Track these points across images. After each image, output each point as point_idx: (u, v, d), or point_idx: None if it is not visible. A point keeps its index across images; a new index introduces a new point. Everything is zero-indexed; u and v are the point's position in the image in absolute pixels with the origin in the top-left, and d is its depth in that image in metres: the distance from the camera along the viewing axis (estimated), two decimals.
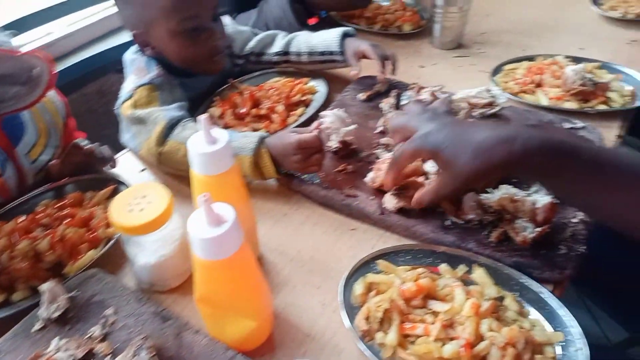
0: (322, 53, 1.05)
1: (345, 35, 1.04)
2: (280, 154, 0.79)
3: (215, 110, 0.98)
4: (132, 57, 0.93)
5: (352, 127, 0.87)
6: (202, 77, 1.01)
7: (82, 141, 0.85)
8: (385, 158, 0.80)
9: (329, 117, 0.87)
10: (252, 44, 1.08)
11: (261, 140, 0.80)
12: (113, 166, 0.87)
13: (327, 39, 1.04)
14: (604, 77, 1.04)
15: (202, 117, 0.55)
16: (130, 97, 0.87)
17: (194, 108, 0.99)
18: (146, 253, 0.65)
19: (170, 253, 0.65)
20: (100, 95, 1.81)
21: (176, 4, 0.86)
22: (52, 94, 0.91)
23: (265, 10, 1.24)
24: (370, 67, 1.11)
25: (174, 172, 0.87)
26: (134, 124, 0.87)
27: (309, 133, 0.78)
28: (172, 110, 0.86)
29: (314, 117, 0.95)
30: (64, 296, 0.64)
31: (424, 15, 1.32)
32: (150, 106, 0.86)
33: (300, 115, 0.97)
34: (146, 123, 0.85)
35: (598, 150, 0.58)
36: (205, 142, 0.56)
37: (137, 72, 0.90)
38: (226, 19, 1.09)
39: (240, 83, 1.06)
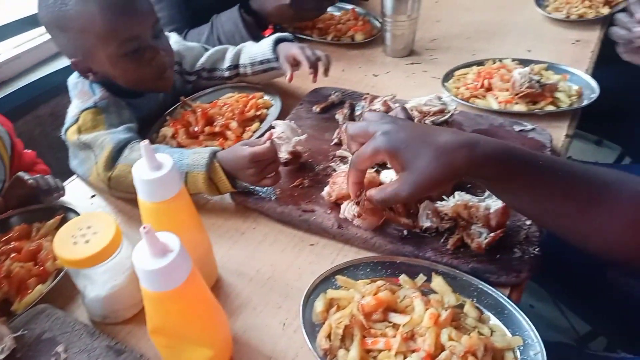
0: (261, 62, 1.05)
1: (280, 41, 1.04)
2: (234, 168, 0.78)
3: (167, 130, 0.96)
4: (75, 81, 0.90)
5: (303, 137, 0.87)
6: (151, 96, 0.99)
7: (25, 175, 0.81)
8: (341, 171, 0.80)
9: (279, 127, 0.87)
10: (202, 60, 1.07)
11: (213, 155, 0.79)
12: (61, 195, 0.84)
13: (264, 47, 1.04)
14: (551, 78, 1.07)
15: (143, 144, 0.53)
16: (75, 122, 0.84)
17: (145, 128, 0.96)
18: (96, 285, 0.62)
19: (122, 283, 0.63)
20: (53, 117, 1.75)
21: (113, 27, 0.83)
22: None
23: (217, 25, 1.23)
24: (324, 79, 1.12)
25: (126, 197, 0.84)
26: (81, 149, 0.84)
27: (261, 145, 0.77)
28: (120, 133, 0.83)
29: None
30: (10, 336, 0.61)
31: (376, 24, 1.34)
32: (96, 130, 0.83)
33: (255, 131, 0.96)
34: (93, 148, 0.82)
35: (552, 159, 0.59)
36: (149, 168, 0.55)
37: (80, 95, 0.87)
38: (174, 37, 1.07)
39: (193, 101, 1.04)
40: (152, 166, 0.54)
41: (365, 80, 1.17)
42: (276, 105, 1.03)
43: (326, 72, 1.00)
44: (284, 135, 0.85)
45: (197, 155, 0.79)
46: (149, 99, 0.99)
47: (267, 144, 0.77)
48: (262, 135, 0.89)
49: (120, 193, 0.84)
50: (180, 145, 0.93)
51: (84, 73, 0.87)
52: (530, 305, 1.45)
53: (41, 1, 0.84)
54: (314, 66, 0.98)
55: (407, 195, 0.58)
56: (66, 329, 0.63)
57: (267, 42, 1.04)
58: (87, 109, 0.85)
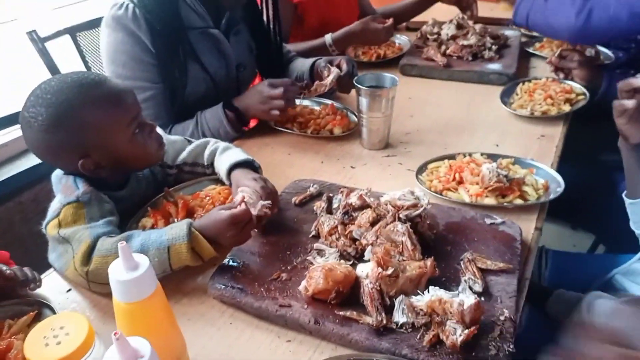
0: (221, 178, 1.08)
1: (237, 166, 1.04)
2: (213, 234, 0.84)
3: (147, 221, 0.97)
4: (59, 176, 0.92)
5: (267, 202, 0.91)
6: (133, 188, 1.01)
7: (3, 265, 0.81)
8: (318, 265, 0.81)
9: (246, 193, 0.92)
10: (184, 154, 1.10)
11: (190, 225, 0.84)
12: (37, 287, 0.84)
13: (223, 167, 1.05)
14: (518, 172, 1.13)
15: (121, 245, 0.54)
16: (56, 216, 0.85)
17: (126, 221, 0.97)
18: None
19: None
20: (35, 203, 1.75)
21: (119, 114, 0.89)
22: None
23: (201, 120, 1.29)
24: (304, 170, 1.16)
25: (105, 291, 0.83)
26: (60, 243, 0.85)
27: (237, 208, 0.84)
28: (99, 227, 0.85)
29: None
30: None
31: (353, 118, 1.41)
32: (76, 224, 0.84)
33: None
34: (71, 242, 0.82)
35: None
36: (125, 268, 0.55)
37: (64, 190, 0.89)
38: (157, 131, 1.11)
39: (176, 192, 1.06)
40: (128, 267, 0.55)
41: (343, 172, 1.22)
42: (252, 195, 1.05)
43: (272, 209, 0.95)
44: (251, 200, 0.91)
45: (175, 229, 0.84)
46: (132, 191, 1.01)
47: (243, 205, 0.84)
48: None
49: (99, 288, 0.83)
50: None
51: (91, 170, 0.90)
52: None
53: (26, 127, 0.86)
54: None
55: None
56: None
57: (225, 165, 1.05)
58: (69, 203, 0.86)
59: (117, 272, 0.56)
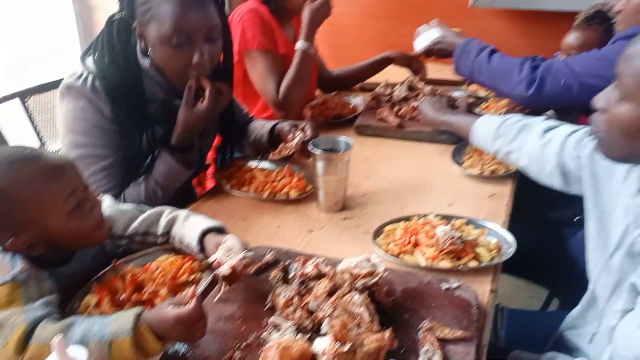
0: (188, 246, 1.03)
1: (209, 231, 1.01)
2: (161, 329, 0.77)
3: (91, 298, 0.91)
4: None
5: (250, 253, 0.92)
6: (77, 262, 0.96)
7: None
8: (273, 343, 0.78)
9: (230, 241, 0.93)
10: (136, 224, 1.06)
11: (137, 318, 0.76)
12: None
13: (191, 234, 1.02)
14: (472, 232, 1.15)
15: (55, 341, 0.51)
16: None
17: (70, 298, 0.92)
18: None
19: None
20: None
21: (54, 190, 0.85)
22: None
23: (151, 175, 1.26)
24: (261, 235, 1.14)
25: None
26: None
27: (186, 305, 0.77)
28: (36, 310, 0.79)
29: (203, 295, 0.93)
30: None
31: (310, 180, 1.41)
32: (11, 307, 0.78)
33: None
34: (3, 328, 0.76)
35: None
36: None
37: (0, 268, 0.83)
38: (107, 200, 1.07)
39: (125, 264, 1.02)
40: None
41: (300, 236, 1.21)
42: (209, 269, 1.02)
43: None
44: (234, 249, 0.90)
45: (120, 322, 0.76)
46: (76, 266, 0.96)
47: (192, 303, 0.77)
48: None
49: None
50: (104, 314, 0.88)
51: (24, 249, 0.85)
52: None
53: None
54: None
55: None
56: None
57: (195, 231, 1.01)
58: (4, 283, 0.80)
59: None
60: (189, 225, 1.05)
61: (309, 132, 1.39)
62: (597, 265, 1.01)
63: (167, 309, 0.77)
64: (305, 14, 1.70)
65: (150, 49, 1.22)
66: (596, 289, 1.01)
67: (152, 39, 1.19)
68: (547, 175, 1.18)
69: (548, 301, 1.67)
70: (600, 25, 1.68)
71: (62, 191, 0.87)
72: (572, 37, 1.76)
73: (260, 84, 1.77)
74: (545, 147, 1.18)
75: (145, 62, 1.24)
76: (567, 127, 1.18)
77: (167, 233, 1.06)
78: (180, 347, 0.83)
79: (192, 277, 0.98)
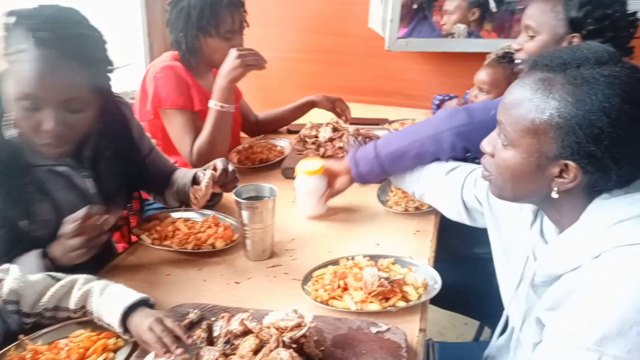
0: (109, 325, 0.95)
1: (130, 311, 0.93)
2: None
3: None
4: None
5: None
6: None
7: None
8: None
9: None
10: (45, 298, 0.96)
11: None
12: None
13: (112, 314, 0.93)
14: (398, 271, 1.16)
15: None
16: None
17: None
18: None
19: None
20: None
21: None
22: None
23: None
24: (186, 292, 1.09)
25: None
26: None
27: None
28: None
29: None
30: None
31: (237, 229, 1.38)
32: None
33: None
34: None
35: None
36: None
37: None
38: (13, 270, 0.98)
39: (32, 340, 0.93)
40: None
41: (227, 288, 1.17)
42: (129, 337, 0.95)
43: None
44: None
45: None
46: None
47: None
48: None
49: None
50: None
51: None
52: None
53: None
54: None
55: None
56: None
57: (116, 312, 0.93)
58: None
59: None
60: (106, 301, 0.96)
61: (219, 165, 1.32)
62: (507, 296, 1.05)
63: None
64: (217, 78, 1.66)
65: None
66: (510, 319, 1.05)
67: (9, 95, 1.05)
68: (455, 212, 1.28)
69: (480, 331, 1.71)
70: (509, 63, 1.82)
71: None
72: (483, 74, 1.90)
73: (176, 141, 1.73)
74: (449, 188, 1.25)
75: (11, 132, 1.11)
76: (467, 167, 1.26)
77: (82, 308, 0.98)
78: None
79: (102, 357, 0.90)
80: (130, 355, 0.92)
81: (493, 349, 1.13)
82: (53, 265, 1.08)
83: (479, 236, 1.66)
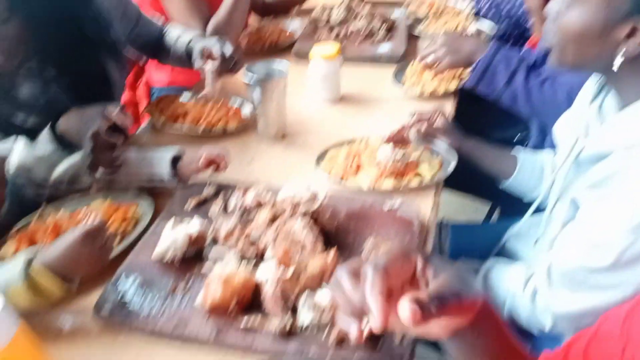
0: (151, 179, 1.01)
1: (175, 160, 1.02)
2: (58, 264, 0.73)
3: (8, 248, 0.85)
4: None
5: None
6: None
7: None
8: (214, 275, 0.76)
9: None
10: (61, 169, 0.97)
11: (28, 262, 0.72)
12: None
13: (157, 164, 1.01)
14: (414, 152, 1.15)
15: None
16: None
17: None
18: None
19: None
20: None
21: None
22: None
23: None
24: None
25: None
26: None
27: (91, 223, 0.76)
28: None
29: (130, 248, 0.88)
30: None
31: (248, 111, 1.35)
32: None
33: None
34: None
35: None
36: None
37: None
38: (20, 144, 0.97)
39: (56, 209, 0.95)
40: None
41: (240, 168, 1.17)
42: (148, 209, 0.97)
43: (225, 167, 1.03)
44: None
45: (10, 268, 0.72)
46: None
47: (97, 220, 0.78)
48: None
49: None
50: None
51: None
52: None
53: None
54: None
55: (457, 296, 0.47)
56: None
57: (161, 159, 1.01)
58: None
59: None
60: (144, 160, 1.01)
61: (215, 53, 1.27)
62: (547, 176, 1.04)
63: (60, 240, 0.75)
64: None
65: None
66: (542, 199, 1.04)
67: None
68: None
69: (490, 213, 1.73)
70: None
71: None
72: None
73: (183, 21, 1.58)
74: None
75: None
76: None
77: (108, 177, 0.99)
78: (122, 281, 0.80)
79: (121, 228, 0.92)
80: (149, 225, 0.94)
81: (516, 228, 1.14)
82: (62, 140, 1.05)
83: (497, 121, 1.62)
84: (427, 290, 0.48)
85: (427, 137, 1.17)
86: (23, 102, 1.07)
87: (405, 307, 0.44)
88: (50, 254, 0.73)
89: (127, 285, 0.80)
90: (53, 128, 0.97)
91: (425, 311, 0.44)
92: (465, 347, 0.52)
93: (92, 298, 0.79)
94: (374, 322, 0.46)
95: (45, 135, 1.04)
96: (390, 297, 0.47)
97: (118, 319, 0.75)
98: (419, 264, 0.49)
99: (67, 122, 0.97)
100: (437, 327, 0.50)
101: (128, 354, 0.73)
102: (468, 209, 2.14)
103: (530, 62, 1.25)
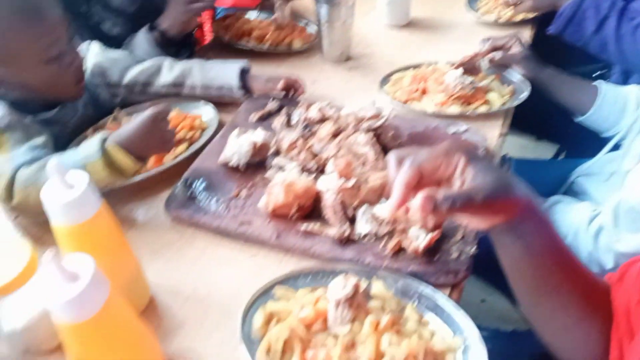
0: (220, 88, 1.03)
1: (242, 72, 1.05)
2: (129, 143, 0.77)
3: None
4: None
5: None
6: (66, 110, 0.93)
7: None
8: (277, 180, 0.78)
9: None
10: (135, 72, 1.01)
11: (103, 140, 0.77)
12: None
13: (226, 74, 1.04)
14: (484, 78, 1.10)
15: (52, 164, 0.49)
16: None
17: (64, 145, 0.90)
18: (12, 317, 0.58)
19: (41, 312, 0.58)
20: None
21: (38, 31, 0.80)
22: None
23: (132, 49, 1.15)
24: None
25: (39, 219, 0.78)
26: None
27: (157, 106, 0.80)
28: (21, 155, 0.77)
29: (196, 154, 0.91)
30: None
31: (313, 31, 1.33)
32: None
33: (179, 155, 0.92)
34: None
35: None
36: (61, 189, 0.51)
37: None
38: (95, 47, 1.01)
39: (127, 114, 0.99)
40: (63, 187, 0.51)
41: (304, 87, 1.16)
42: (211, 126, 0.99)
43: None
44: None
45: (88, 146, 0.77)
46: (63, 113, 0.92)
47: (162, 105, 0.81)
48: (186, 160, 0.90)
49: (33, 216, 0.78)
50: None
51: None
52: (482, 299, 1.47)
53: None
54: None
55: (481, 199, 0.48)
56: None
57: (231, 71, 1.03)
58: None
59: (53, 195, 0.51)
60: (213, 70, 1.03)
61: None
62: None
63: (130, 122, 0.79)
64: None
65: None
66: (623, 135, 0.99)
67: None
68: None
69: (556, 156, 1.66)
70: None
71: (43, 36, 0.81)
72: None
73: None
74: None
75: None
76: None
77: (178, 85, 1.02)
78: (190, 183, 0.84)
79: (189, 134, 0.95)
80: (214, 135, 0.97)
81: (587, 166, 1.09)
82: (162, 38, 1.15)
83: (576, 55, 1.51)
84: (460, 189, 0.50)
85: (501, 65, 1.12)
86: (114, 9, 1.15)
87: (418, 199, 0.49)
88: (122, 134, 0.77)
89: (195, 186, 0.84)
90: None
91: (437, 207, 0.48)
92: (506, 245, 0.53)
93: (163, 196, 0.84)
94: (387, 206, 0.52)
95: (142, 35, 1.12)
96: (419, 189, 0.51)
97: (186, 215, 0.80)
98: (460, 165, 0.50)
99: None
100: (476, 222, 0.53)
101: (194, 247, 0.77)
102: (533, 151, 2.06)
103: (623, 5, 1.14)
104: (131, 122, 0.78)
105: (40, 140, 0.82)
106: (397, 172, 0.52)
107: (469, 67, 1.10)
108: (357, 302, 0.61)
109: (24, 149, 0.78)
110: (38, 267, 0.56)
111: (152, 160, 0.89)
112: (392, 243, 0.71)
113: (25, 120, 0.83)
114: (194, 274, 0.73)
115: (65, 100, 0.93)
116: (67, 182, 0.51)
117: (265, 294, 0.66)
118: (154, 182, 0.87)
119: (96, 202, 0.54)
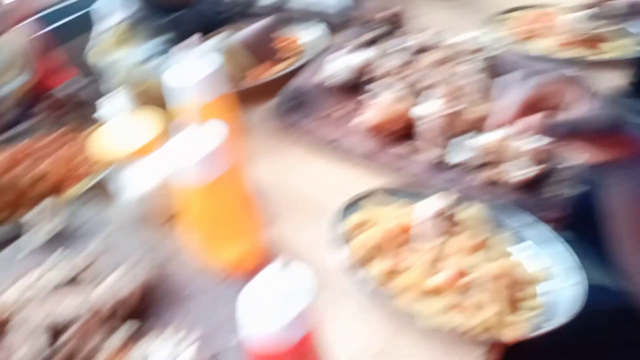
0: (318, 14, 1.05)
1: None
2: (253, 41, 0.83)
3: None
4: None
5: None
6: (188, 15, 0.98)
7: None
8: (375, 101, 0.79)
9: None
10: None
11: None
12: None
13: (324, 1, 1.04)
14: (609, 27, 1.01)
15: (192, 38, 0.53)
16: (105, 39, 0.85)
17: None
18: (134, 185, 0.64)
19: (159, 183, 0.64)
20: None
21: None
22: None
23: None
24: None
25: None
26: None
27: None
28: (151, 48, 0.83)
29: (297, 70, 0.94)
30: (60, 216, 0.65)
31: None
32: (129, 44, 0.84)
33: (279, 71, 0.95)
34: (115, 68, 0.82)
35: None
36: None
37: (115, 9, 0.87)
38: None
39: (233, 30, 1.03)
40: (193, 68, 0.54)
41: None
42: (317, 39, 1.02)
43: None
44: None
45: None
46: (190, 15, 0.97)
47: None
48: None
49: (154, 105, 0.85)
50: None
51: None
52: None
53: None
54: None
55: (599, 130, 0.49)
56: (105, 223, 0.67)
57: None
58: (122, 21, 0.85)
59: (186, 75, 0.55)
60: None
61: None
62: None
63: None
64: None
65: None
66: None
67: None
68: None
69: None
70: None
71: None
72: None
73: None
74: None
75: None
76: None
77: (278, 8, 1.05)
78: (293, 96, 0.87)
79: (291, 52, 1.01)
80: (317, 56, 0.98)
81: None
82: None
83: None
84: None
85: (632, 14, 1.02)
86: None
87: (537, 116, 0.50)
88: (242, 34, 0.83)
89: (295, 100, 0.87)
90: None
91: (556, 128, 0.49)
92: (615, 185, 0.52)
93: (265, 106, 0.90)
94: (493, 118, 0.54)
95: None
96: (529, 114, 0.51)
97: (287, 123, 0.84)
98: (570, 95, 0.51)
99: None
100: (587, 154, 0.53)
101: (293, 155, 0.82)
102: None
103: None
104: (251, 26, 0.83)
105: (167, 37, 0.87)
106: (514, 93, 0.52)
107: (596, 13, 1.02)
108: (445, 222, 0.62)
109: (154, 42, 0.84)
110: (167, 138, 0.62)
111: (256, 72, 0.94)
112: (485, 173, 0.71)
113: (156, 17, 0.89)
114: (293, 176, 0.78)
115: (179, 7, 0.97)
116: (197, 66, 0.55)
117: (359, 202, 0.68)
118: (256, 92, 0.92)
119: (220, 86, 0.58)
